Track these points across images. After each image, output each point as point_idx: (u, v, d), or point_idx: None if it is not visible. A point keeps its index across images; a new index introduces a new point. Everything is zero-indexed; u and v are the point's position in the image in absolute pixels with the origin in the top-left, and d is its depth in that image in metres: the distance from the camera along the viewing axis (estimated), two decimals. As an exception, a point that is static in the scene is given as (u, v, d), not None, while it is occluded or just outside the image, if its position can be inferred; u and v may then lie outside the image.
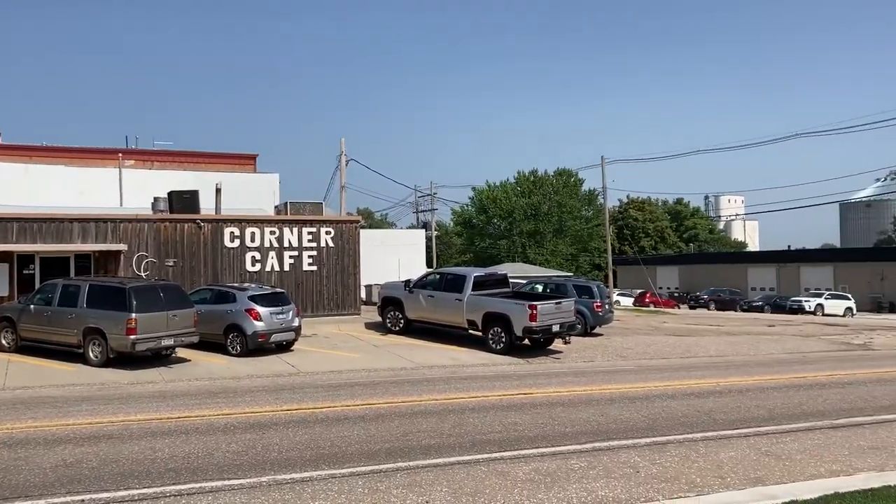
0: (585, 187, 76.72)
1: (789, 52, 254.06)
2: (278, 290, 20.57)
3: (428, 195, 72.94)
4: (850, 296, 52.09)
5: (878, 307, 54.86)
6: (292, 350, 19.36)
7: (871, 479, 8.05)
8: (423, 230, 52.98)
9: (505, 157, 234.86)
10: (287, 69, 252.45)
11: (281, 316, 18.91)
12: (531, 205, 72.40)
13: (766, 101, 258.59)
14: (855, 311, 49.96)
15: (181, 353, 17.56)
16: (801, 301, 50.33)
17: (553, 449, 9.48)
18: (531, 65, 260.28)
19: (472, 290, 21.06)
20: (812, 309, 48.68)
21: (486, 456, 9.04)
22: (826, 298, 50.61)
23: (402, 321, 22.76)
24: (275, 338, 18.77)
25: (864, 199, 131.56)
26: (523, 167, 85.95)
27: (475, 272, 22.65)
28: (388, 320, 23.16)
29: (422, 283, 22.66)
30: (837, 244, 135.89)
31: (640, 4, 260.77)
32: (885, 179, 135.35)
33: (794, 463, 8.98)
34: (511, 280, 26.19)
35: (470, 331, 21.23)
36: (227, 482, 7.85)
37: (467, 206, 77.64)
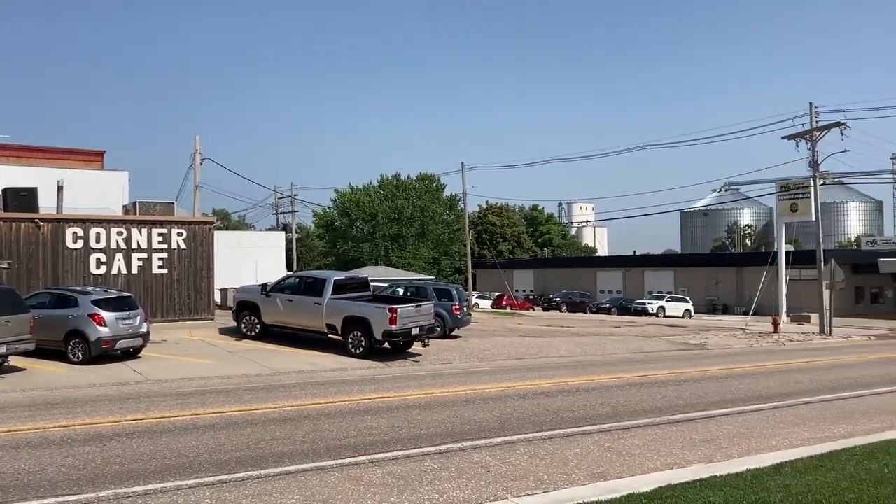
0: (447, 192, 77.92)
1: (640, 66, 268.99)
2: (125, 293, 19.59)
3: (288, 196, 71.69)
4: (688, 298, 55.78)
5: (713, 309, 59.04)
6: (140, 357, 18.48)
7: (700, 470, 8.65)
8: (284, 232, 51.95)
9: (368, 160, 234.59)
10: (139, 63, 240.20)
11: (128, 321, 18.00)
12: (394, 208, 72.71)
13: (617, 112, 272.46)
14: (693, 313, 53.51)
15: (15, 361, 16.34)
16: (644, 303, 53.38)
17: (407, 452, 9.57)
18: (397, 68, 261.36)
19: (332, 293, 20.90)
20: (654, 311, 51.75)
21: (340, 461, 9.00)
22: (667, 301, 53.93)
23: (258, 326, 22.24)
24: (121, 344, 17.84)
25: (701, 208, 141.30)
26: (387, 171, 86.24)
27: (335, 275, 22.50)
28: (243, 325, 22.56)
29: (280, 287, 22.23)
30: (678, 250, 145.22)
31: (500, 11, 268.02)
32: (721, 190, 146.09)
33: (634, 458, 9.50)
34: (373, 283, 26.23)
35: (329, 335, 21.05)
36: (59, 499, 7.38)
37: (329, 208, 76.95)
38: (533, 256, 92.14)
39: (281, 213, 74.87)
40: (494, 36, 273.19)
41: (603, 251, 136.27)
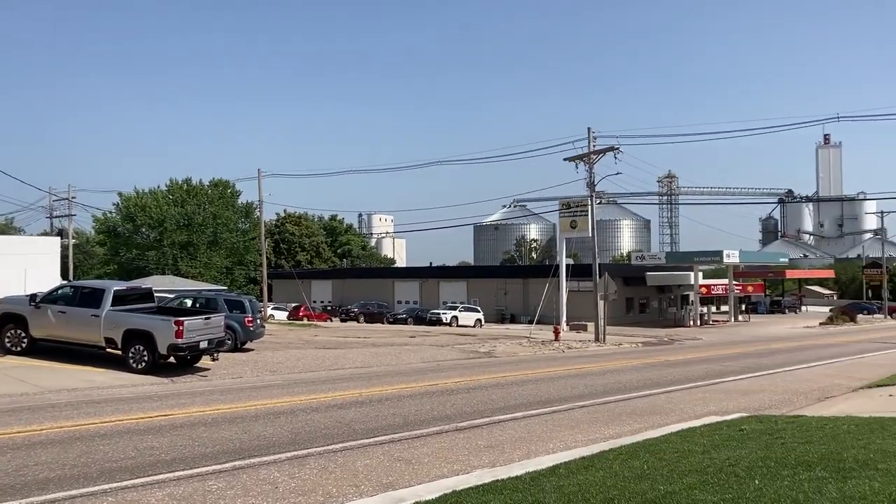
0: (242, 199, 75.61)
1: (440, 82, 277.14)
2: None
3: (65, 199, 65.98)
4: (479, 308, 58.15)
5: (501, 318, 61.96)
6: None
7: (484, 475, 9.00)
8: (59, 238, 47.71)
9: (156, 163, 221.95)
10: None
11: None
12: (184, 214, 69.31)
13: (417, 127, 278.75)
14: (483, 322, 55.83)
15: None
16: (439, 313, 54.93)
17: (191, 471, 9.13)
18: (188, 70, 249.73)
19: (112, 304, 19.51)
20: (448, 320, 53.40)
21: (115, 485, 8.40)
22: (460, 311, 55.87)
23: (25, 340, 20.23)
24: None
25: (493, 222, 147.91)
26: (176, 175, 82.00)
27: (115, 285, 21.00)
28: (7, 340, 20.40)
29: (51, 298, 20.37)
30: (471, 262, 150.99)
31: (308, 20, 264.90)
32: (510, 206, 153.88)
33: (423, 466, 9.72)
34: (159, 294, 24.86)
35: (108, 350, 19.62)
36: None
37: (112, 213, 71.83)
38: (332, 267, 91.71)
39: (56, 216, 68.81)
40: (300, 43, 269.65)
41: (401, 262, 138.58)
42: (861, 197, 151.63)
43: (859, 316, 66.97)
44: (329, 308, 67.99)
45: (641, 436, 11.43)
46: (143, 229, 70.30)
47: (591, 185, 39.85)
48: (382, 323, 56.65)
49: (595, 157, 39.14)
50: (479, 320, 55.55)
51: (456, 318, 54.22)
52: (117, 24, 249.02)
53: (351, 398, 15.86)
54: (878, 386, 18.30)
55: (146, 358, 18.83)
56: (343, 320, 59.69)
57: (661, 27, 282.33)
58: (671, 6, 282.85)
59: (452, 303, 60.70)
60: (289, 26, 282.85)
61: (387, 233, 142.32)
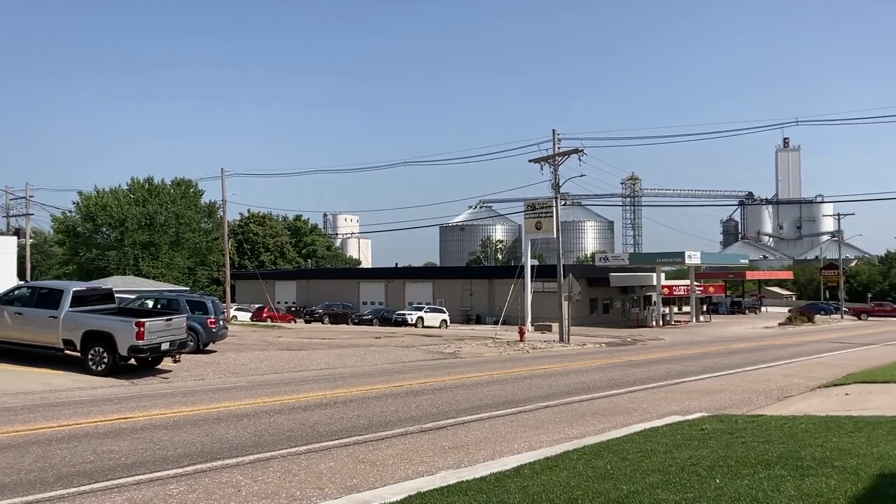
0: (205, 199, 74.75)
1: (408, 85, 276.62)
2: None
3: (22, 198, 64.55)
4: (445, 309, 58.19)
5: (467, 319, 62.08)
6: None
7: (449, 476, 9.00)
8: (16, 237, 46.63)
9: (117, 162, 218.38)
10: None
11: None
12: (146, 214, 68.28)
13: (382, 128, 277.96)
14: (449, 323, 55.90)
15: None
16: (404, 314, 54.86)
17: (152, 475, 8.99)
18: (149, 69, 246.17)
19: (71, 306, 19.13)
20: (414, 321, 53.36)
21: (72, 490, 8.24)
22: (426, 312, 55.85)
23: (-20, 343, 19.74)
24: None
25: (459, 223, 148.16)
26: (138, 174, 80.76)
27: (74, 286, 20.59)
28: (-40, 342, 19.90)
29: (8, 299, 19.92)
30: (437, 262, 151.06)
31: (259, 22, 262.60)
32: (476, 207, 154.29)
33: (387, 468, 9.69)
34: (120, 295, 24.47)
35: (67, 352, 19.22)
36: None
37: (71, 212, 70.48)
38: (296, 267, 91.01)
39: (13, 215, 67.23)
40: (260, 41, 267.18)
41: (367, 263, 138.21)
42: (819, 200, 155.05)
43: (817, 316, 68.49)
44: (293, 309, 67.47)
45: (605, 436, 11.53)
46: (104, 229, 69.07)
47: (555, 186, 40.12)
48: (347, 324, 56.40)
49: (560, 159, 39.41)
50: (444, 321, 55.58)
51: (421, 318, 54.19)
52: (75, 22, 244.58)
53: (315, 400, 15.75)
54: (835, 385, 18.70)
55: (106, 360, 18.50)
56: (307, 321, 59.29)
57: (628, 32, 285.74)
58: (638, 11, 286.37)
59: (418, 304, 60.66)
60: (253, 26, 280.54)
61: (352, 233, 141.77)
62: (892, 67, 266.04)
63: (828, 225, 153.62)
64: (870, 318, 73.23)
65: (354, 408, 14.76)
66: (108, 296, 21.39)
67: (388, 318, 55.24)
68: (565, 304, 38.18)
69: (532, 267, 49.54)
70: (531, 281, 48.87)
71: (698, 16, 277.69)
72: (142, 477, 8.90)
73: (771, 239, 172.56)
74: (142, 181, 71.72)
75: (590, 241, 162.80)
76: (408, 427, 12.67)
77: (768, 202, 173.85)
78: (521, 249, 59.93)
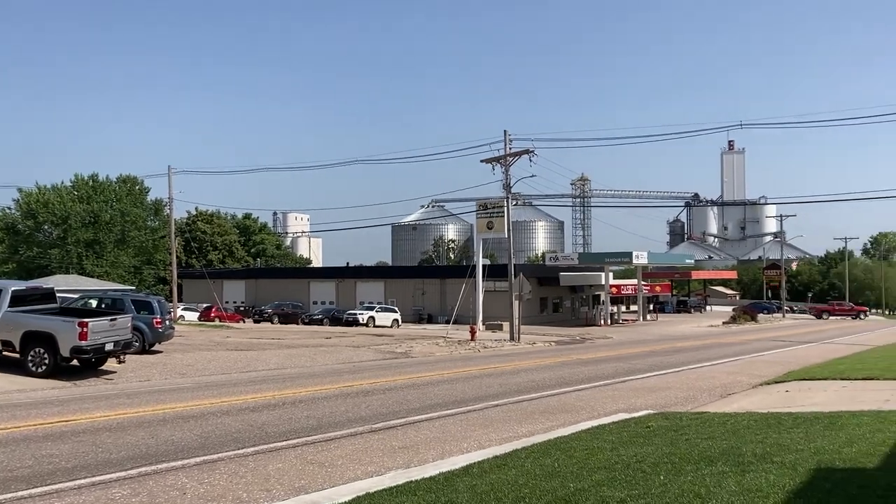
0: (152, 196, 73.34)
1: (360, 87, 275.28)
2: None
3: (-42, 194, 62.56)
4: (397, 309, 58.07)
5: (419, 318, 62.06)
6: None
7: (398, 476, 9.00)
8: (-50, 235, 45.19)
9: (59, 159, 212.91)
10: None
11: None
12: (90, 211, 66.66)
13: (335, 126, 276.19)
14: (400, 322, 55.79)
15: None
16: (356, 314, 54.57)
17: (94, 479, 8.79)
18: (96, 61, 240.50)
19: (10, 305, 18.61)
20: (365, 321, 53.11)
21: (9, 496, 8.01)
22: (377, 311, 55.65)
23: (-89, 344, 19.03)
24: None
25: (411, 222, 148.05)
26: (82, 171, 78.77)
27: (13, 285, 20.02)
28: None
29: (-58, 298, 19.26)
30: (389, 262, 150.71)
31: (219, 12, 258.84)
32: (429, 206, 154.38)
33: (336, 468, 9.64)
34: (62, 294, 23.91)
35: (5, 353, 18.73)
36: None
37: (10, 209, 68.44)
38: (245, 266, 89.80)
39: (-51, 213, 65.10)
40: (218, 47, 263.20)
41: (318, 262, 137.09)
42: (762, 201, 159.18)
43: (760, 315, 70.28)
44: (242, 309, 66.57)
45: (553, 434, 11.65)
46: (46, 226, 67.26)
47: (507, 186, 40.38)
48: (297, 324, 55.88)
49: (511, 159, 39.68)
50: (396, 320, 55.46)
51: (373, 318, 53.97)
52: (11, 13, 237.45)
53: (263, 401, 15.58)
54: (776, 382, 19.21)
55: (47, 361, 18.04)
56: (256, 321, 58.55)
57: (576, 31, 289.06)
58: (588, 10, 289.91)
59: (369, 303, 60.42)
60: (203, 20, 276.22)
61: (302, 232, 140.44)
62: (833, 69, 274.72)
63: (771, 226, 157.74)
64: (831, 318, 75.90)
65: (304, 408, 14.64)
66: (49, 295, 20.85)
67: (339, 318, 54.87)
68: (516, 304, 38.46)
69: (484, 266, 49.77)
70: (483, 280, 49.08)
71: (650, 14, 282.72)
72: (83, 481, 8.69)
73: (716, 239, 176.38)
74: (86, 178, 70.04)
75: (541, 241, 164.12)
76: (357, 427, 12.62)
77: (713, 203, 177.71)
78: (473, 249, 60.12)
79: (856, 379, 18.17)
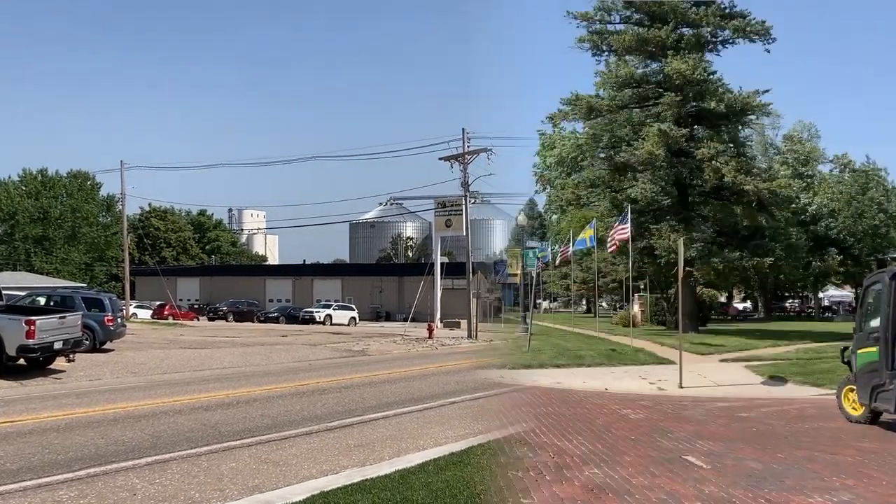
0: (104, 192, 71.92)
1: (319, 83, 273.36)
2: None
3: None
4: (354, 307, 57.83)
5: (376, 316, 61.96)
6: None
7: (353, 474, 8.96)
8: None
9: (6, 152, 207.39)
10: None
11: None
12: (39, 207, 65.11)
13: (290, 122, 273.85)
14: (358, 320, 55.60)
15: None
16: (312, 312, 54.24)
17: (39, 481, 8.57)
18: (43, 51, 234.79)
19: (-47, 303, 18.10)
20: (322, 319, 52.82)
21: (-49, 500, 7.78)
22: (334, 309, 55.39)
23: None
24: None
25: (369, 220, 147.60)
26: (30, 165, 76.90)
27: (-43, 283, 19.47)
28: None
29: None
30: (347, 259, 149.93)
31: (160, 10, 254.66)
32: (387, 204, 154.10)
33: (291, 467, 9.55)
34: (10, 292, 23.39)
35: (-53, 352, 18.13)
36: None
37: (-45, 204, 66.47)
38: (200, 264, 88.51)
39: None
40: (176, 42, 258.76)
41: (274, 259, 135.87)
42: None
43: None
44: (196, 307, 65.66)
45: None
46: (-8, 222, 65.49)
47: (465, 184, 40.48)
48: (253, 322, 55.34)
49: (469, 157, 39.79)
50: (353, 318, 55.24)
51: (330, 316, 53.68)
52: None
53: (217, 400, 15.38)
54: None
55: (-8, 360, 17.55)
56: (211, 319, 57.84)
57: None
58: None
59: (326, 301, 60.07)
60: (164, 12, 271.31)
61: (258, 229, 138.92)
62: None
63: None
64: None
65: (258, 407, 14.49)
66: (-6, 293, 20.33)
67: (295, 316, 54.48)
68: (474, 302, 38.59)
69: (442, 264, 49.89)
70: (441, 278, 49.20)
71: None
72: (28, 483, 8.47)
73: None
74: (34, 172, 68.35)
75: (498, 240, 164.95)
76: (313, 426, 12.53)
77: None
78: (431, 247, 60.24)
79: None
